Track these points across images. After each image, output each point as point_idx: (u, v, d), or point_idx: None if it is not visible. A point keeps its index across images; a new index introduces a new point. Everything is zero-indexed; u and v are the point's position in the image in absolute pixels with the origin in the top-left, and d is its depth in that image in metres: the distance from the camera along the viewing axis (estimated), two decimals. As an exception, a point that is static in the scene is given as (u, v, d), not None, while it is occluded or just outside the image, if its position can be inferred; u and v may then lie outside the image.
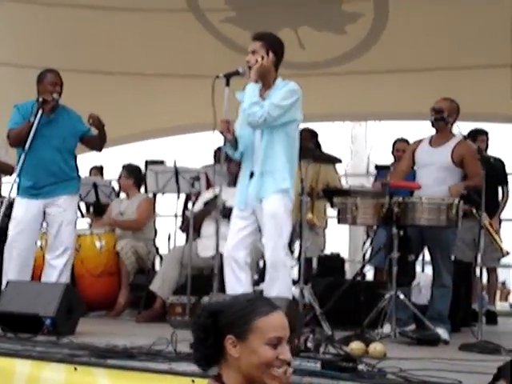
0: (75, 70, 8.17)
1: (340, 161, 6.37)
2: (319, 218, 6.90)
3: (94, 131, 5.74)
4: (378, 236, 6.68)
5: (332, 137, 9.91)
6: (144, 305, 6.57)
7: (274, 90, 4.67)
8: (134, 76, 9.46)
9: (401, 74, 8.93)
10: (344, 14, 8.61)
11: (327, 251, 7.61)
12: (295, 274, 5.65)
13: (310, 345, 4.17)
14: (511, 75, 7.87)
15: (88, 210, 8.14)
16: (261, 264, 6.07)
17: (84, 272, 6.61)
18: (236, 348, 2.19)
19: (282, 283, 4.49)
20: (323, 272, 7.14)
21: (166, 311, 6.20)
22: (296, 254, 6.12)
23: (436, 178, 5.59)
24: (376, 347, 4.37)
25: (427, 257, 6.08)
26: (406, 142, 7.19)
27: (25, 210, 5.61)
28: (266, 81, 4.70)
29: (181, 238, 7.20)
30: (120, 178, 7.36)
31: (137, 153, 10.32)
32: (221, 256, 4.76)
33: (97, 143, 5.88)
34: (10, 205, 5.68)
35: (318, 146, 6.97)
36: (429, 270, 6.55)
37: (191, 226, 6.31)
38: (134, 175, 7.24)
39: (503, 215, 7.15)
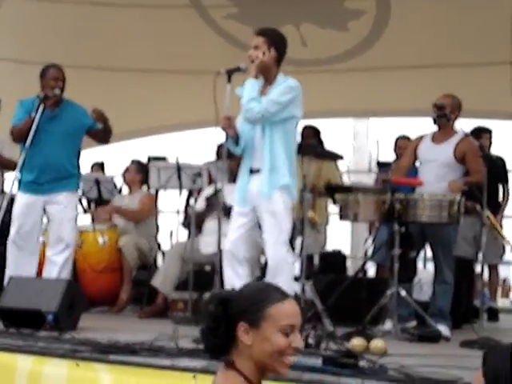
0: (77, 65, 8.16)
1: (342, 157, 6.37)
2: (320, 215, 6.90)
3: (100, 124, 5.75)
4: (379, 233, 6.68)
5: (334, 133, 9.90)
6: (146, 300, 6.58)
7: (275, 86, 4.66)
8: (135, 72, 9.45)
9: (403, 71, 8.92)
10: (347, 11, 8.61)
11: (329, 248, 7.61)
12: (297, 270, 5.66)
13: (311, 341, 4.19)
14: (511, 72, 7.87)
15: (90, 205, 8.15)
16: (262, 260, 6.07)
17: (86, 267, 6.62)
18: (248, 335, 2.17)
19: (283, 280, 4.48)
20: (325, 268, 7.15)
21: (167, 307, 6.21)
22: (297, 250, 6.12)
23: (438, 175, 5.58)
24: (377, 344, 4.38)
25: (429, 253, 6.09)
26: (408, 139, 7.18)
27: (25, 205, 5.62)
28: (267, 77, 4.69)
29: (183, 234, 7.21)
30: (127, 171, 7.34)
31: (139, 149, 10.31)
32: (222, 252, 4.78)
33: (103, 136, 5.89)
34: (12, 200, 5.69)
35: (321, 143, 6.98)
36: (430, 266, 6.56)
37: (193, 222, 6.32)
38: (143, 172, 7.24)
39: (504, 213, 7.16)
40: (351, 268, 8.70)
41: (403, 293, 5.27)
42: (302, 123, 6.80)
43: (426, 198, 5.29)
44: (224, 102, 4.66)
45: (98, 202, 7.81)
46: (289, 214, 4.65)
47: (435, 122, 5.70)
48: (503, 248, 7.00)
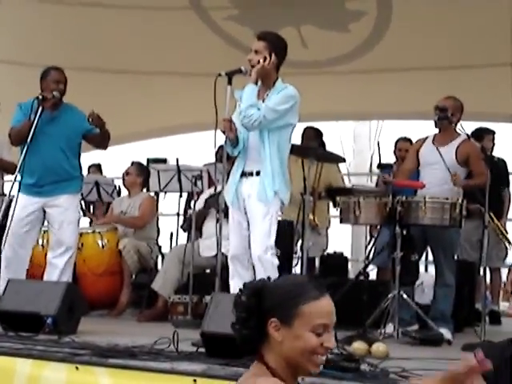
0: (76, 67, 8.14)
1: (344, 160, 6.35)
2: (321, 218, 6.87)
3: (97, 129, 5.72)
4: (381, 235, 6.65)
5: (335, 136, 9.89)
6: (146, 304, 6.55)
7: (273, 91, 4.68)
8: (135, 74, 9.45)
9: (404, 73, 8.91)
10: (347, 13, 8.60)
11: (330, 250, 7.58)
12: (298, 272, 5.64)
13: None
14: (512, 74, 7.88)
15: (88, 208, 8.11)
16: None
17: (86, 271, 6.59)
18: (279, 332, 2.10)
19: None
20: (326, 271, 7.11)
21: (167, 310, 6.19)
22: (298, 253, 6.10)
23: (440, 178, 5.56)
24: (379, 347, 4.36)
25: (430, 256, 6.06)
26: (409, 141, 7.16)
27: (24, 207, 5.59)
28: (266, 82, 4.71)
29: (183, 237, 7.18)
30: (128, 173, 7.25)
31: (138, 151, 10.29)
32: (222, 255, 4.78)
33: (100, 141, 5.85)
34: (11, 202, 5.66)
35: (323, 145, 6.94)
36: (432, 269, 6.53)
37: (193, 224, 6.29)
38: (144, 175, 7.19)
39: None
40: (352, 271, 8.68)
41: (405, 296, 5.25)
42: (302, 126, 6.79)
43: (428, 200, 5.27)
44: (224, 104, 4.65)
45: (97, 204, 7.79)
46: (276, 219, 4.74)
47: (436, 125, 5.67)
48: (506, 251, 6.98)
